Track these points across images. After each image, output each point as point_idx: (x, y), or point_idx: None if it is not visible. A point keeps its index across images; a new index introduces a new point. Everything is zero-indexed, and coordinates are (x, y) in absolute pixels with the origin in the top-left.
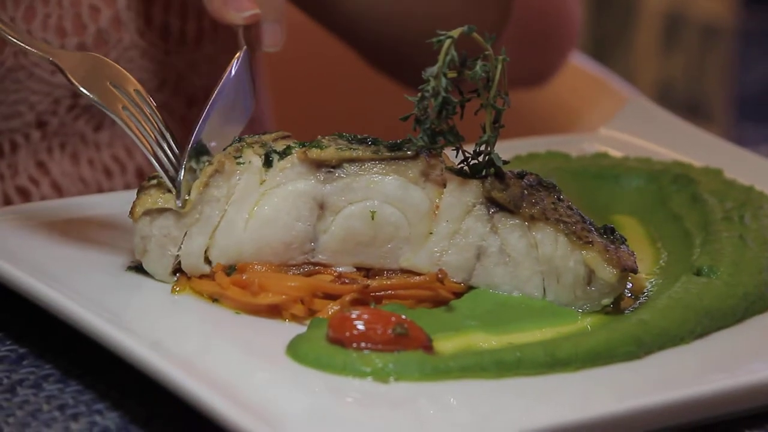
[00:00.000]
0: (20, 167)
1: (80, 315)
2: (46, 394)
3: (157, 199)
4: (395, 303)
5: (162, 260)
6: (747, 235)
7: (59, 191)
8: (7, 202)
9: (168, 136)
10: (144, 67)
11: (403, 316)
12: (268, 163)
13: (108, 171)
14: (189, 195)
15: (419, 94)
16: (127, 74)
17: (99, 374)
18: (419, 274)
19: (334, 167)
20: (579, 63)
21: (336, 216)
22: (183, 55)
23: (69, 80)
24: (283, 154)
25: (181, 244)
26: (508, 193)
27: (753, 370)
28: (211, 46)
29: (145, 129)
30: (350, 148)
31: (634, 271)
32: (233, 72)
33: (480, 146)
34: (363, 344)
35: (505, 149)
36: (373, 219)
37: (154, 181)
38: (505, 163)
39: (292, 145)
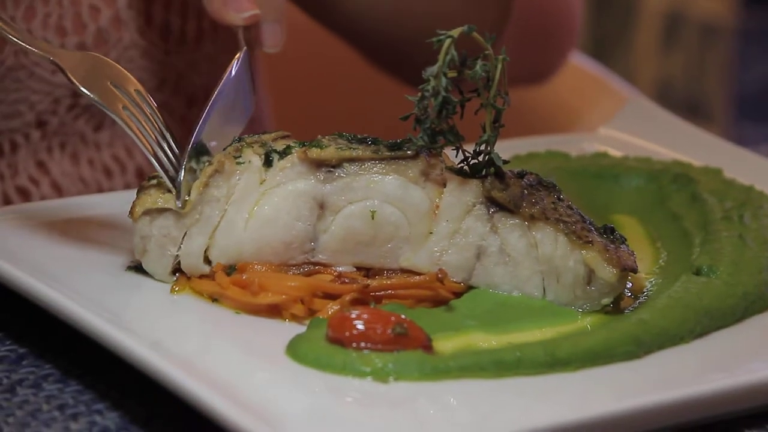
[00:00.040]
0: (20, 167)
1: (80, 315)
2: (46, 393)
3: (157, 199)
4: (395, 303)
5: (161, 260)
6: (747, 234)
7: (59, 191)
8: (7, 201)
9: (168, 136)
10: (144, 67)
11: (403, 316)
12: (268, 163)
13: (108, 171)
14: (189, 195)
15: (419, 94)
16: (128, 74)
17: (99, 374)
18: (419, 274)
19: (334, 167)
20: (579, 62)
21: (336, 215)
22: (183, 55)
23: (69, 80)
24: (283, 153)
25: (181, 244)
26: (508, 192)
27: (752, 369)
28: (211, 45)
29: (146, 129)
30: (350, 148)
31: (634, 270)
32: (233, 72)
33: (480, 146)
34: (362, 344)
35: (505, 149)
36: (373, 218)
37: (154, 181)
38: (505, 162)
39: (292, 144)
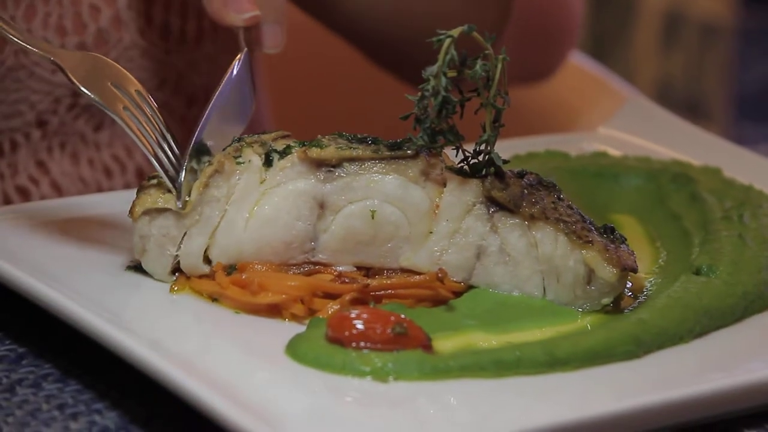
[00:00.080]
0: (20, 167)
1: (80, 315)
2: (46, 393)
3: (156, 198)
4: (395, 302)
5: (161, 260)
6: (746, 234)
7: (59, 191)
8: (7, 201)
9: (168, 136)
10: (144, 67)
11: (403, 316)
12: (268, 163)
13: (108, 171)
14: (189, 195)
15: (419, 94)
16: (128, 74)
17: (99, 374)
18: (419, 274)
19: (334, 166)
20: (578, 62)
21: (336, 215)
22: (183, 55)
23: (70, 80)
24: (283, 153)
25: (181, 243)
26: (508, 192)
27: (752, 369)
28: (211, 45)
29: (146, 129)
30: (350, 148)
31: (634, 270)
32: (234, 73)
33: (480, 145)
34: (362, 344)
35: (505, 148)
36: (373, 218)
37: (154, 181)
38: (505, 162)
39: (292, 144)
